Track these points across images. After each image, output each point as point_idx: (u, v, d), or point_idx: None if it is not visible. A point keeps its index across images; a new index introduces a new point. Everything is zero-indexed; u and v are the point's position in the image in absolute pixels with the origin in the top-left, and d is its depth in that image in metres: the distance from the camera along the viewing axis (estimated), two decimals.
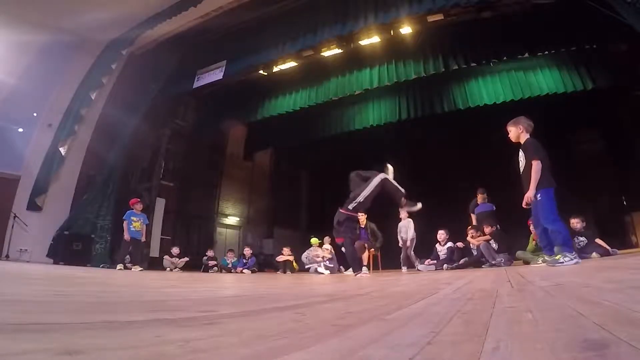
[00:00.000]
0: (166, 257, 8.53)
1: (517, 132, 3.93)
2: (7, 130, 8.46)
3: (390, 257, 8.05)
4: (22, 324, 0.79)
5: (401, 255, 7.42)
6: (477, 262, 6.47)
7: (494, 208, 7.06)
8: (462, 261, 6.67)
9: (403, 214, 7.50)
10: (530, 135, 3.88)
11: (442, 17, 7.40)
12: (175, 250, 8.68)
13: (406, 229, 7.45)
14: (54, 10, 7.92)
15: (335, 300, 1.56)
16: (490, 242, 6.42)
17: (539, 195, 3.61)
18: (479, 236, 6.81)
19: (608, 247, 5.37)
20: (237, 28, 9.14)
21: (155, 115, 9.69)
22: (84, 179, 8.90)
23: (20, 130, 8.74)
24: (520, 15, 7.22)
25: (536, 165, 3.61)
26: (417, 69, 8.11)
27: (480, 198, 7.29)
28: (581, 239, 5.53)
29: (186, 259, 8.58)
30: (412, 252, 7.38)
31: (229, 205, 12.58)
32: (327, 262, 7.90)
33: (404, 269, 7.14)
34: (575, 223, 5.62)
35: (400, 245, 7.52)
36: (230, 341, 0.68)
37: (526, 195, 3.67)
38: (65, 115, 8.64)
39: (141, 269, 6.59)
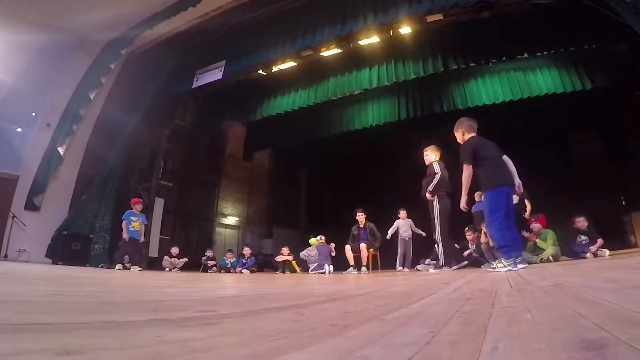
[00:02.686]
0: (166, 257, 8.52)
1: (460, 136, 3.81)
2: (6, 130, 8.44)
3: (390, 257, 8.05)
4: (21, 324, 0.78)
5: (397, 255, 7.38)
6: (476, 261, 6.48)
7: None
8: (464, 262, 6.67)
9: (402, 213, 7.49)
10: (475, 133, 3.74)
11: (442, 17, 7.41)
12: (174, 250, 8.68)
13: (406, 227, 7.42)
14: (53, 10, 7.91)
15: (334, 300, 1.56)
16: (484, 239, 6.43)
17: (483, 196, 3.57)
18: (475, 236, 6.82)
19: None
20: (237, 28, 9.13)
21: (155, 115, 9.67)
22: (82, 178, 8.88)
23: (19, 130, 8.72)
24: (519, 15, 7.23)
25: (465, 171, 3.50)
26: (417, 69, 8.12)
27: (477, 196, 7.25)
28: (583, 237, 5.57)
29: (185, 259, 8.57)
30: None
31: (228, 205, 12.57)
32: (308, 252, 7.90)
33: (400, 268, 7.09)
34: (578, 222, 5.66)
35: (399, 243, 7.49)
36: (229, 341, 0.68)
37: (461, 204, 3.69)
38: (63, 115, 8.62)
39: (140, 269, 6.58)
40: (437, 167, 5.27)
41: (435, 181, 5.15)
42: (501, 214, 3.34)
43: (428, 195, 5.18)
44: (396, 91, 9.61)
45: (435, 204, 5.18)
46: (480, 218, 6.85)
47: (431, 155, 5.57)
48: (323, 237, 8.22)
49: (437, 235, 5.12)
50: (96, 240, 8.02)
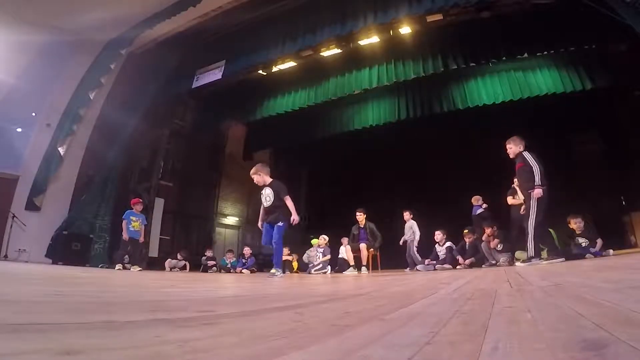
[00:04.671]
0: (169, 260, 8.49)
1: (262, 178, 4.97)
2: (6, 130, 8.45)
3: (390, 257, 8.06)
4: (21, 324, 0.78)
5: (405, 255, 7.48)
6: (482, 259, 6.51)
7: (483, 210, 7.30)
8: (468, 260, 6.70)
9: (406, 215, 7.57)
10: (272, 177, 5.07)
11: (441, 17, 7.41)
12: (179, 256, 8.65)
13: (411, 230, 7.51)
14: (53, 10, 7.91)
15: (334, 300, 1.56)
16: (493, 241, 6.45)
17: (281, 222, 4.80)
18: (475, 238, 6.85)
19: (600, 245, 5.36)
20: (237, 28, 9.13)
21: (155, 115, 9.68)
22: (82, 179, 8.88)
23: (19, 130, 8.73)
24: (519, 15, 7.23)
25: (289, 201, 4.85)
26: (417, 69, 8.12)
27: (475, 200, 7.44)
28: (582, 240, 5.50)
29: (185, 262, 8.54)
30: (416, 253, 7.37)
31: (228, 205, 12.57)
32: (321, 254, 7.85)
33: (407, 269, 7.17)
34: (574, 223, 5.57)
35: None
36: (229, 341, 0.68)
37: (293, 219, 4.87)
38: (64, 115, 8.62)
39: (140, 269, 6.58)
40: (531, 160, 4.69)
41: (537, 177, 4.58)
42: None
43: (538, 192, 4.53)
44: (396, 91, 9.60)
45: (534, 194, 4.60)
46: (480, 220, 6.95)
47: (515, 147, 5.01)
48: (326, 238, 8.23)
49: (530, 224, 4.51)
50: (96, 240, 8.02)
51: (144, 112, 9.12)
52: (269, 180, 5.03)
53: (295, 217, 4.83)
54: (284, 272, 8.10)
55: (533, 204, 4.57)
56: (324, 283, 3.61)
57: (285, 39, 8.36)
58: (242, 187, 13.15)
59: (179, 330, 0.79)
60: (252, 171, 5.07)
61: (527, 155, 4.78)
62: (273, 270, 4.79)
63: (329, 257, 7.75)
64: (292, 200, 4.94)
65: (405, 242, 7.53)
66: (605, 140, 9.55)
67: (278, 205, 4.88)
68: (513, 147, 5.03)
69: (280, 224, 4.82)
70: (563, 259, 4.52)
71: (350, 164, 12.90)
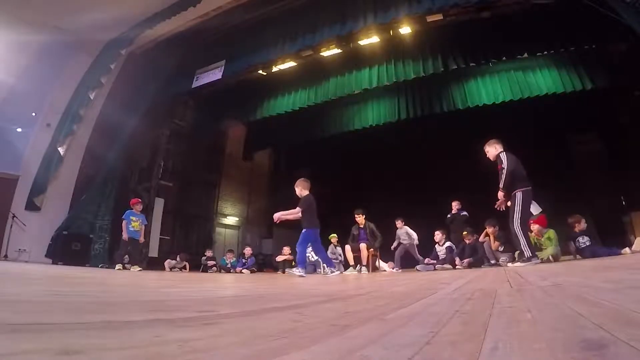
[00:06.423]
0: (168, 260, 8.49)
1: (300, 191, 5.53)
2: (6, 130, 8.45)
3: (390, 257, 8.07)
4: (21, 324, 0.78)
5: (395, 256, 7.54)
6: (481, 260, 6.50)
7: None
8: (466, 261, 6.70)
9: (398, 223, 7.64)
10: (309, 191, 5.56)
11: (441, 17, 7.41)
12: (179, 258, 8.66)
13: (407, 235, 7.56)
14: (53, 10, 7.91)
15: (334, 300, 1.56)
16: (494, 243, 6.45)
17: (304, 229, 5.36)
18: (475, 238, 6.85)
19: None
20: (236, 28, 9.14)
21: (155, 115, 9.68)
22: (82, 179, 8.89)
23: (19, 130, 8.73)
24: (519, 15, 7.23)
25: (297, 213, 5.38)
26: (417, 69, 8.12)
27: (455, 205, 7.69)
28: (584, 239, 5.49)
29: (185, 263, 8.54)
30: (418, 255, 7.50)
31: (228, 205, 12.57)
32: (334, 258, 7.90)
33: (397, 269, 7.21)
34: (581, 222, 5.55)
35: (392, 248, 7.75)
36: (229, 341, 0.68)
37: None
38: (64, 115, 8.63)
39: (140, 269, 6.57)
40: (504, 159, 4.74)
41: (503, 177, 4.67)
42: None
43: (500, 194, 4.69)
44: (396, 91, 9.60)
45: (519, 196, 4.61)
46: (457, 223, 7.32)
47: (492, 149, 5.01)
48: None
49: (516, 227, 4.51)
50: (96, 240, 8.03)
51: (144, 112, 9.12)
52: (304, 193, 5.60)
53: (276, 216, 5.53)
54: (284, 272, 8.21)
55: (517, 206, 4.59)
56: (324, 283, 3.60)
57: (285, 39, 8.36)
58: (242, 187, 13.16)
59: (179, 330, 0.79)
60: (296, 183, 5.70)
61: (502, 156, 4.84)
62: (294, 270, 5.33)
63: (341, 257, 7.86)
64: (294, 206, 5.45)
65: (396, 246, 7.63)
66: (605, 140, 9.55)
67: (304, 215, 5.45)
68: (490, 150, 5.10)
69: (303, 230, 5.41)
70: (539, 260, 4.56)
71: (350, 164, 12.90)
